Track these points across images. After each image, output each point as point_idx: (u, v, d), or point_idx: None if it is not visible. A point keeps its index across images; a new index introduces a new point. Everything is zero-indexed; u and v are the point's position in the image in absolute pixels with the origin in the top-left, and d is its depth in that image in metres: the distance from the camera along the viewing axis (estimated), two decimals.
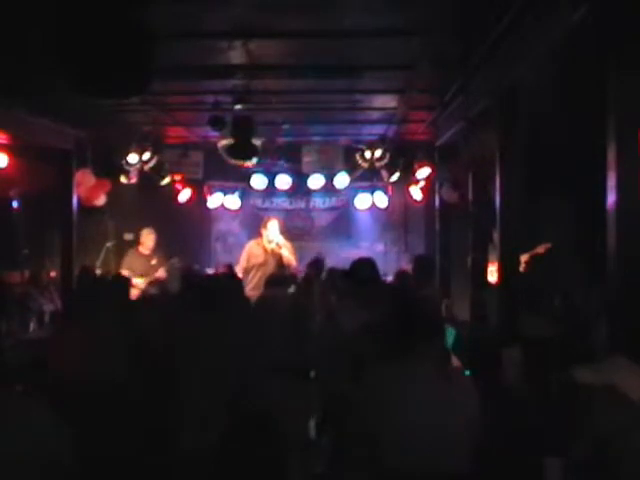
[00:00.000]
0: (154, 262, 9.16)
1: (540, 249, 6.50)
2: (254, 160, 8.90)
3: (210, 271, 9.75)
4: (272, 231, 8.90)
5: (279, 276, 6.44)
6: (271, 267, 8.61)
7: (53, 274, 8.87)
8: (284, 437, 3.02)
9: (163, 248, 9.51)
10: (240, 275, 8.01)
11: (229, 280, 5.50)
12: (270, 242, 8.81)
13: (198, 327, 4.35)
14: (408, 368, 3.09)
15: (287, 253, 8.82)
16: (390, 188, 10.86)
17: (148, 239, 9.33)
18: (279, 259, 8.77)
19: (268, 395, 3.99)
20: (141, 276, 8.79)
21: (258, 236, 9.11)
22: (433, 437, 2.94)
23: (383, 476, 3.00)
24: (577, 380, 2.71)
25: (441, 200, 9.15)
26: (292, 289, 6.67)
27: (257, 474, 2.57)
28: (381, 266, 5.69)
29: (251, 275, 8.63)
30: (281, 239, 8.90)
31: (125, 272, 8.47)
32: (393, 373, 3.11)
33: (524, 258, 5.98)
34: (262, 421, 2.67)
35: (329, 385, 4.56)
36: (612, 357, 2.79)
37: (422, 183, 10.01)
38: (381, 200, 10.93)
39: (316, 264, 7.58)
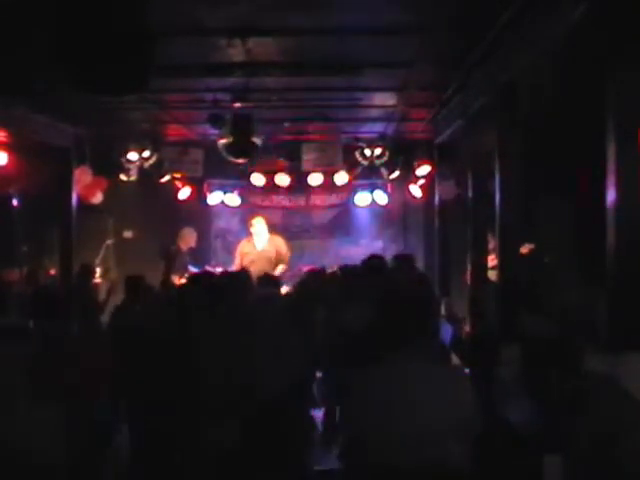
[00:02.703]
0: (188, 258, 9.51)
1: (524, 249, 6.50)
2: (253, 158, 8.93)
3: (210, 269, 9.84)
4: (258, 229, 9.08)
5: (271, 277, 6.48)
6: (262, 264, 8.85)
7: (52, 272, 8.87)
8: (295, 433, 3.03)
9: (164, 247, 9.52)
10: None
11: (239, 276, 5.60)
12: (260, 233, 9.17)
13: (209, 324, 4.39)
14: (397, 367, 3.07)
15: (279, 250, 9.16)
16: (390, 186, 10.86)
17: (189, 238, 9.56)
18: (269, 256, 9.06)
19: (277, 390, 4.01)
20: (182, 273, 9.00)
21: (248, 235, 9.36)
22: (423, 435, 2.93)
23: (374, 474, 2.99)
24: (583, 366, 2.70)
25: (440, 197, 9.16)
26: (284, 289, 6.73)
27: (271, 467, 2.57)
28: None
29: None
30: (267, 240, 9.23)
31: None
32: (381, 373, 3.10)
33: None
34: (275, 417, 2.67)
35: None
36: (623, 353, 2.79)
37: (422, 181, 10.02)
38: (381, 198, 10.94)
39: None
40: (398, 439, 2.92)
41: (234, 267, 8.98)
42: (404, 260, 6.24)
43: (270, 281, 6.07)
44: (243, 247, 9.31)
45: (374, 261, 5.80)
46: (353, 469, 3.13)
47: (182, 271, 9.05)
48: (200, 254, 10.81)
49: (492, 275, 6.68)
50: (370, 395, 3.03)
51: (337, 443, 4.77)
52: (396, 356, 3.04)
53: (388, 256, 7.04)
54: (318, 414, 5.77)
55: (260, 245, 9.22)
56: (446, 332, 6.04)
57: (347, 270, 6.26)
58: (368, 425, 3.00)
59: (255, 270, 8.34)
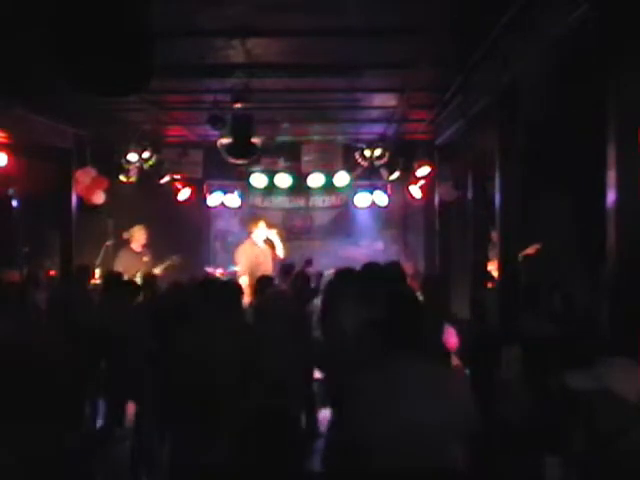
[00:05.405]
0: (146, 259, 9.03)
1: (530, 250, 6.49)
2: (253, 159, 8.94)
3: (210, 270, 9.85)
4: (260, 230, 9.11)
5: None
6: (267, 263, 8.94)
7: (53, 273, 8.87)
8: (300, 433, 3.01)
9: (162, 247, 9.49)
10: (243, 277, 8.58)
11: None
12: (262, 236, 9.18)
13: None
14: (397, 368, 3.06)
15: (278, 243, 9.23)
16: (390, 187, 10.87)
17: (139, 236, 9.16)
18: (272, 253, 9.14)
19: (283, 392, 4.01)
20: (134, 274, 8.72)
21: (248, 237, 9.34)
22: (422, 435, 2.92)
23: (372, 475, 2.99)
24: (571, 387, 2.70)
25: (440, 199, 9.16)
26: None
27: (275, 467, 2.55)
28: None
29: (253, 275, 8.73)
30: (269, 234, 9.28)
31: (120, 270, 8.51)
32: (380, 374, 3.09)
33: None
34: (280, 417, 2.65)
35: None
36: (606, 359, 2.78)
37: (422, 182, 10.02)
38: (381, 199, 10.94)
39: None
40: (397, 442, 2.91)
41: (241, 271, 8.94)
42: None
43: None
44: (247, 251, 9.17)
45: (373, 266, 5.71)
46: (346, 472, 3.13)
47: (135, 272, 8.71)
48: (200, 255, 10.83)
49: (494, 275, 6.69)
50: (367, 398, 3.03)
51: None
52: (394, 358, 3.04)
53: (387, 258, 7.05)
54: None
55: (263, 245, 9.23)
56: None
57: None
58: (365, 428, 3.00)
59: (262, 270, 8.35)
